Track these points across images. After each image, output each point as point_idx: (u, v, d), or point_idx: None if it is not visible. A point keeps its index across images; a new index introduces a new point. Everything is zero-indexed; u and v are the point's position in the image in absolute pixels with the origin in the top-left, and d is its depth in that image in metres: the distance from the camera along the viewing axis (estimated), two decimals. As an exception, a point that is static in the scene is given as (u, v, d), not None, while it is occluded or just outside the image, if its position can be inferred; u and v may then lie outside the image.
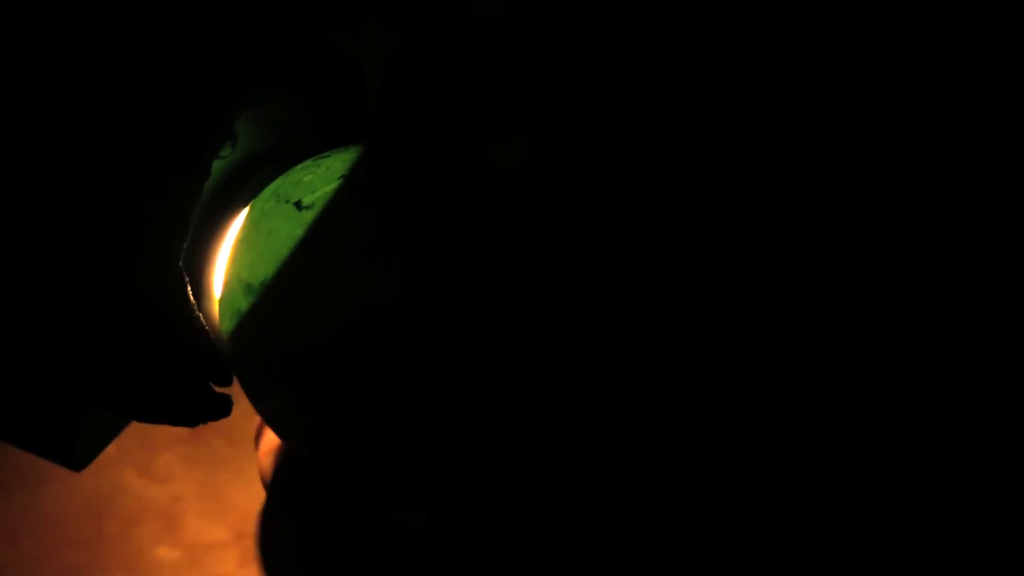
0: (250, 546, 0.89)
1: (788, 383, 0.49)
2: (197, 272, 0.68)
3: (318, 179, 0.65)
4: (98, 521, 0.92)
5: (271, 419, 0.66)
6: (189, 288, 0.64)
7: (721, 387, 0.50)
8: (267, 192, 0.67)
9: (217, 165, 0.66)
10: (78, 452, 0.67)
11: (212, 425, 0.66)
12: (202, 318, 0.65)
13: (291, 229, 0.62)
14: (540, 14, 0.61)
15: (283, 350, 0.61)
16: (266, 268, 0.62)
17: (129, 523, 0.91)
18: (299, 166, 0.67)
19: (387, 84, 0.70)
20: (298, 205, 0.63)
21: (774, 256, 0.50)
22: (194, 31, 0.64)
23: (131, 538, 0.90)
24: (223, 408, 0.65)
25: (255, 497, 0.90)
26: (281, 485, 0.70)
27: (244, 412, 0.72)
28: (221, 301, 0.65)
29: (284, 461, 0.70)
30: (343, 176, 0.64)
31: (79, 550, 0.89)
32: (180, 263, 0.63)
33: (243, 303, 0.63)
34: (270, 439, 0.75)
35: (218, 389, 0.66)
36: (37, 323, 0.62)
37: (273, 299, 0.61)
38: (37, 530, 0.91)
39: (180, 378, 0.64)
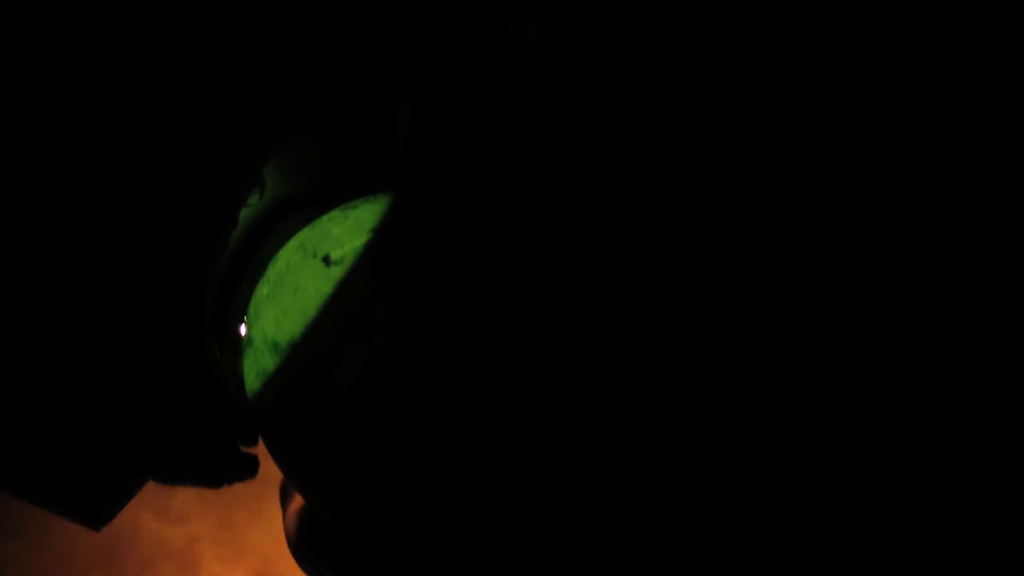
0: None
1: (788, 382, 0.48)
2: (222, 325, 0.66)
3: (346, 232, 0.62)
4: (114, 563, 0.89)
5: (297, 484, 0.64)
6: (216, 344, 0.62)
7: (716, 386, 0.50)
8: (293, 243, 0.65)
9: (244, 213, 0.64)
10: (99, 511, 0.64)
11: (230, 464, 0.64)
12: (227, 376, 0.63)
13: (319, 286, 0.60)
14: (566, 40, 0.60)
15: (311, 425, 0.58)
16: (293, 327, 0.60)
17: (145, 565, 0.89)
18: (326, 216, 0.65)
19: (415, 123, 0.67)
20: (326, 260, 0.61)
21: (774, 254, 0.49)
22: (223, 78, 0.62)
23: (147, 580, 0.88)
24: (249, 469, 0.63)
25: (275, 539, 0.88)
26: (307, 547, 0.68)
27: (262, 449, 0.69)
28: (246, 358, 0.62)
29: (311, 522, 0.67)
30: (373, 229, 0.61)
31: (94, 595, 0.87)
32: (206, 318, 0.60)
33: (269, 363, 0.61)
34: (297, 499, 0.73)
35: (244, 449, 0.63)
36: (61, 383, 0.61)
37: (301, 362, 0.59)
38: (53, 572, 0.88)
39: (205, 437, 0.61)
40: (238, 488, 0.86)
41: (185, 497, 0.90)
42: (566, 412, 0.54)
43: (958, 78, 0.48)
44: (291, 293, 0.62)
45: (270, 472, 0.84)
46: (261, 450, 0.64)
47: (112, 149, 0.60)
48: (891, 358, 0.48)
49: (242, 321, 0.66)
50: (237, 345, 0.66)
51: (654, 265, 0.53)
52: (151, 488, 0.92)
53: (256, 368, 0.63)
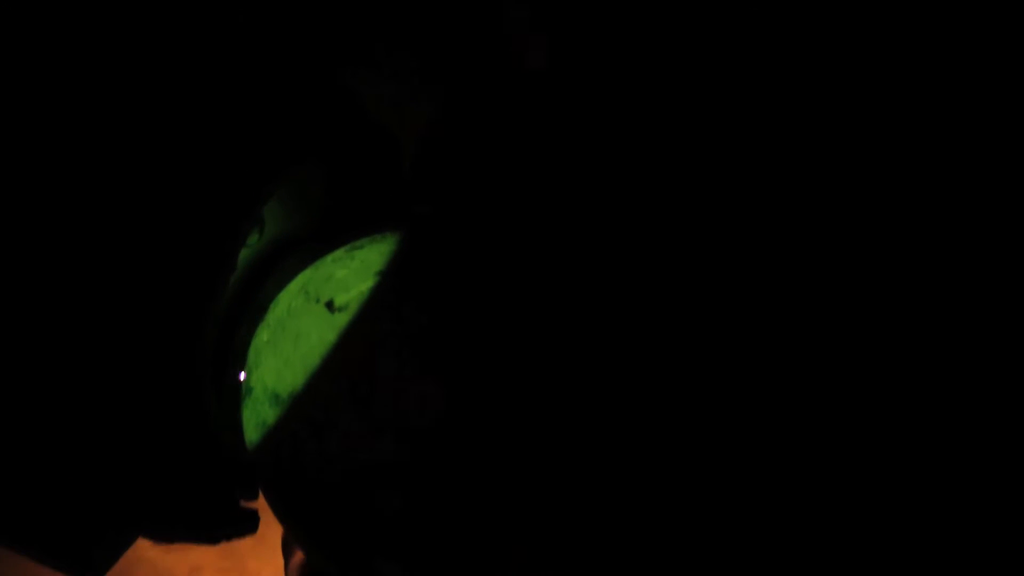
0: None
1: (788, 383, 0.48)
2: (220, 372, 0.62)
3: (352, 275, 0.59)
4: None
5: (299, 540, 0.60)
6: (214, 394, 0.59)
7: (717, 387, 0.50)
8: (295, 286, 0.61)
9: (243, 254, 0.60)
10: (93, 565, 0.61)
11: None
12: (225, 427, 0.59)
13: (323, 333, 0.57)
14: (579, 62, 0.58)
15: (314, 482, 0.55)
16: (295, 378, 0.56)
17: (145, 596, 0.86)
18: (330, 256, 0.61)
19: (424, 151, 0.64)
20: (330, 306, 0.57)
21: (774, 254, 0.49)
22: (223, 110, 0.58)
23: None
24: (249, 524, 0.60)
25: (277, 567, 0.85)
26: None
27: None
28: (245, 407, 0.59)
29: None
30: (380, 272, 0.57)
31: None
32: (202, 367, 0.57)
33: (269, 415, 0.57)
34: (299, 553, 0.70)
35: (243, 503, 0.60)
36: (55, 437, 0.58)
37: (302, 417, 0.55)
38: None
39: (203, 491, 0.58)
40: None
41: (186, 524, 0.87)
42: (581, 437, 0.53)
43: (958, 78, 0.48)
44: (292, 341, 0.58)
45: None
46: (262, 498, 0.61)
47: (103, 196, 0.56)
48: (891, 358, 0.48)
49: (242, 367, 0.63)
50: (236, 393, 0.63)
51: (662, 286, 0.52)
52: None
53: (256, 419, 0.60)
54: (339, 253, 0.63)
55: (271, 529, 0.84)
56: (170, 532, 0.60)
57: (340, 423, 0.56)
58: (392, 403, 0.55)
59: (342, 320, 0.57)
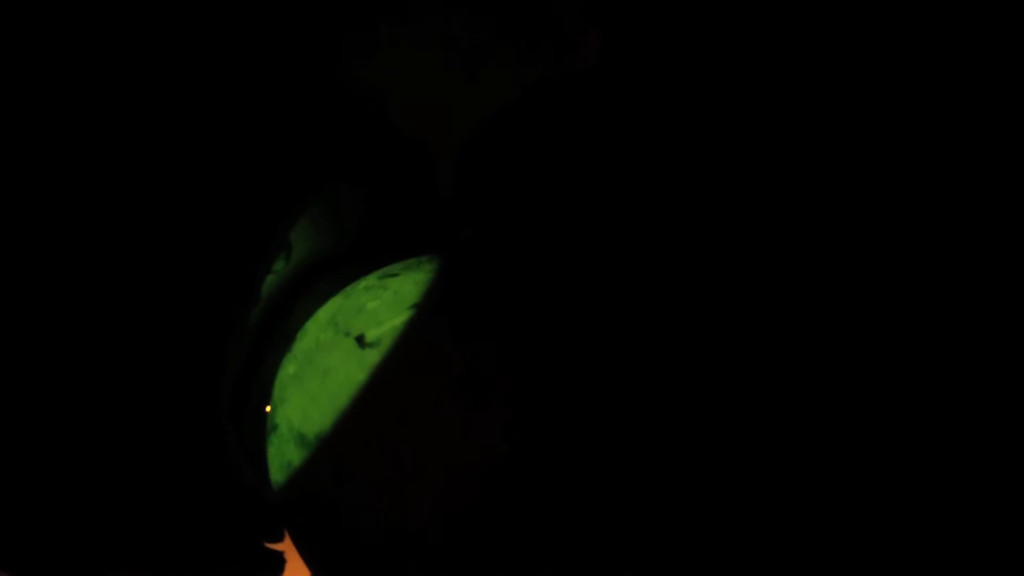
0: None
1: (789, 383, 0.48)
2: (243, 406, 0.58)
3: (384, 307, 0.55)
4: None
5: None
6: (238, 432, 0.55)
7: (718, 387, 0.49)
8: (324, 316, 0.57)
9: (268, 280, 0.56)
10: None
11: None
12: (249, 467, 0.56)
13: (352, 371, 0.53)
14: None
15: (341, 533, 0.52)
16: (322, 419, 0.53)
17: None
18: (362, 283, 0.57)
19: (464, 168, 0.59)
20: (360, 341, 0.54)
21: (780, 258, 0.49)
22: (245, 124, 0.54)
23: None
24: (274, 568, 0.56)
25: None
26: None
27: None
28: (270, 445, 0.56)
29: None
30: (415, 305, 0.53)
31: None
32: (223, 404, 0.53)
33: (294, 456, 0.54)
34: None
35: (269, 545, 0.57)
36: (71, 472, 0.54)
37: (332, 462, 0.52)
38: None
39: (225, 534, 0.55)
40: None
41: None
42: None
43: (958, 78, 0.47)
44: (320, 377, 0.54)
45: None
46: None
47: (118, 217, 0.52)
48: (891, 358, 0.47)
49: (267, 401, 0.59)
50: (262, 427, 0.59)
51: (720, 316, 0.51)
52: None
53: (281, 459, 0.56)
54: (371, 280, 0.59)
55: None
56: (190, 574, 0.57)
57: (371, 473, 0.52)
58: (426, 452, 0.51)
59: (373, 358, 0.53)
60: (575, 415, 0.51)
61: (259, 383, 0.60)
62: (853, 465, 0.48)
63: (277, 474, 0.57)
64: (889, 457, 0.47)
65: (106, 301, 0.52)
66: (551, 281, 0.54)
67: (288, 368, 0.59)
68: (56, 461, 0.55)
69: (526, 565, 0.50)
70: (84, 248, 0.53)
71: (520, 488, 0.50)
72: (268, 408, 0.60)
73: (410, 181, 0.63)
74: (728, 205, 0.52)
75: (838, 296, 0.49)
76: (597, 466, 0.50)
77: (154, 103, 0.54)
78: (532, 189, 0.56)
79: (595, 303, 0.53)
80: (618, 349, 0.51)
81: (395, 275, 0.58)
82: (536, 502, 0.50)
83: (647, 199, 0.53)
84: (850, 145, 0.50)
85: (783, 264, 0.50)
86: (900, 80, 0.49)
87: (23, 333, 0.53)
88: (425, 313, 0.55)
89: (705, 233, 0.52)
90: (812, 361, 0.49)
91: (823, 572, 0.49)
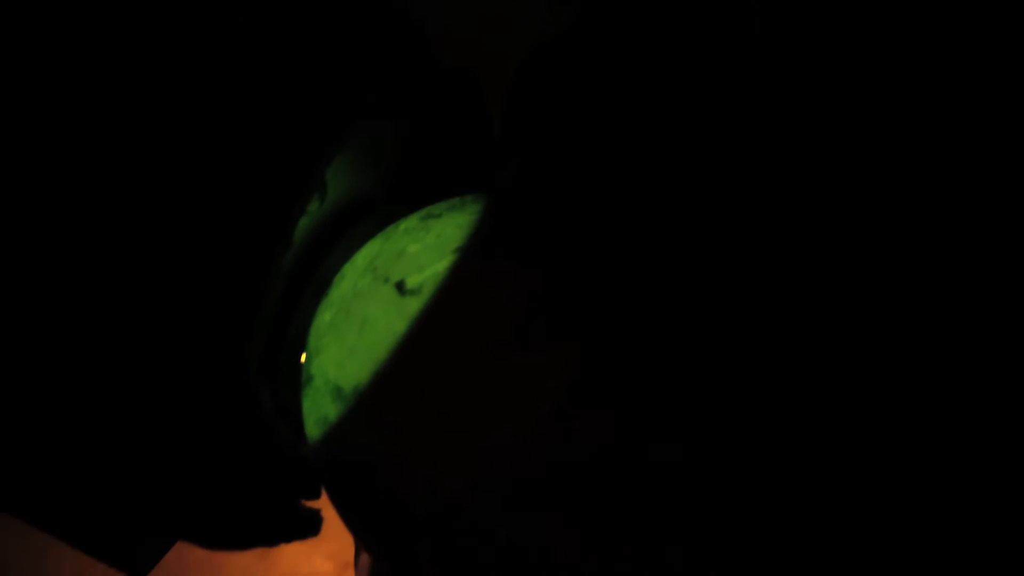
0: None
1: (788, 383, 0.46)
2: (277, 356, 0.55)
3: (426, 251, 0.51)
4: (181, 546, 0.82)
5: (369, 548, 0.54)
6: (271, 384, 0.52)
7: (717, 386, 0.47)
8: (362, 260, 0.53)
9: (303, 223, 0.53)
10: (138, 561, 0.56)
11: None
12: (283, 422, 0.53)
13: (391, 321, 0.49)
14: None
15: (380, 495, 0.48)
16: (359, 370, 0.49)
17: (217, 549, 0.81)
18: (402, 225, 0.54)
19: (515, 100, 0.55)
20: (400, 287, 0.50)
21: (776, 257, 0.47)
22: (284, 60, 0.51)
23: (219, 567, 0.80)
24: (311, 526, 0.53)
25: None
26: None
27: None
28: (306, 397, 0.52)
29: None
30: (458, 249, 0.49)
31: (159, 581, 0.79)
32: (253, 358, 0.50)
33: (331, 410, 0.50)
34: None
35: (306, 503, 0.54)
36: (103, 431, 0.52)
37: (370, 417, 0.49)
38: (110, 560, 0.81)
39: (259, 491, 0.52)
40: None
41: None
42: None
43: (958, 79, 0.46)
44: (358, 327, 0.51)
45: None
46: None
47: (144, 156, 0.49)
48: (892, 359, 0.46)
49: (302, 350, 0.55)
50: (296, 379, 0.56)
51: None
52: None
53: (317, 413, 0.53)
54: (412, 222, 0.55)
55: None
56: (223, 538, 0.54)
57: (411, 429, 0.49)
58: (471, 407, 0.48)
59: (414, 306, 0.50)
60: (636, 369, 0.47)
61: (293, 332, 0.57)
62: (855, 465, 0.46)
63: (313, 429, 0.54)
64: (890, 458, 0.46)
65: (133, 246, 0.50)
66: (606, 222, 0.50)
67: (324, 316, 0.55)
68: (83, 418, 0.52)
69: (577, 533, 0.47)
70: (110, 191, 0.50)
71: (574, 447, 0.47)
72: (303, 359, 0.56)
73: (455, 117, 0.59)
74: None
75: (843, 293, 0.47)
76: (660, 427, 0.47)
77: (185, 36, 0.51)
78: (583, 124, 0.52)
79: (651, 241, 0.49)
80: (678, 294, 0.48)
81: (437, 216, 0.54)
82: (591, 465, 0.47)
83: (706, 134, 0.49)
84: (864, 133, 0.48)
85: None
86: (899, 80, 0.47)
87: (47, 282, 0.51)
88: (470, 257, 0.51)
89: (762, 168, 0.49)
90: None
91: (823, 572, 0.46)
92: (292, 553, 0.81)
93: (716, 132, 0.49)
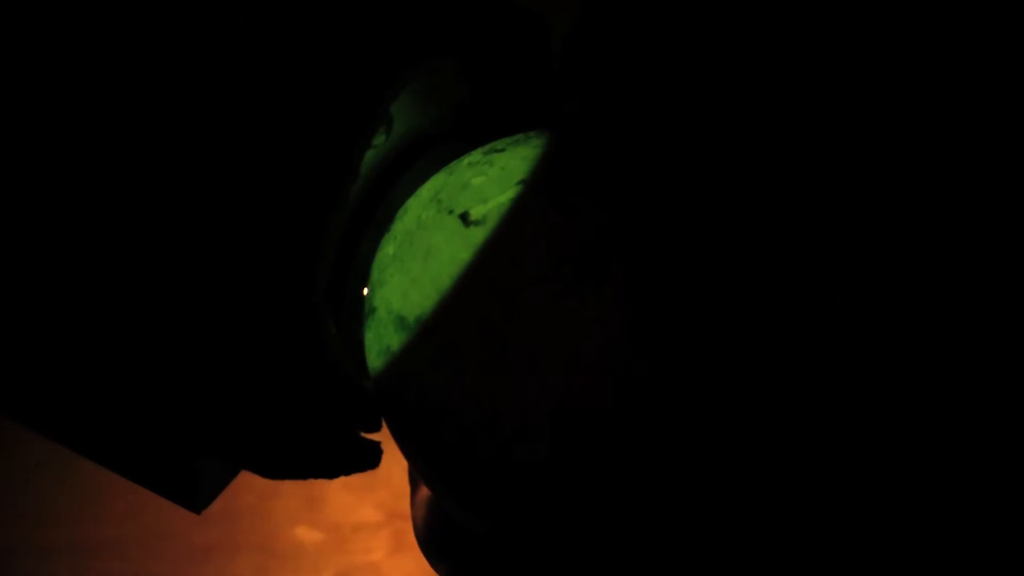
0: (404, 529, 0.78)
1: (788, 383, 0.45)
2: (341, 288, 0.56)
3: (490, 183, 0.51)
4: (230, 494, 0.82)
5: (428, 481, 0.54)
6: (334, 314, 0.53)
7: (715, 386, 0.46)
8: (426, 193, 0.54)
9: (368, 156, 0.53)
10: (199, 495, 0.57)
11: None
12: (345, 352, 0.53)
13: (455, 251, 0.50)
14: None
15: (442, 422, 0.48)
16: (423, 300, 0.50)
17: (265, 497, 0.81)
18: (466, 159, 0.54)
19: (578, 37, 0.55)
20: (464, 218, 0.50)
21: (774, 255, 0.46)
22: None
23: (267, 514, 0.81)
24: (370, 459, 0.54)
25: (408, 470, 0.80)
26: (441, 550, 0.59)
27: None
28: (368, 329, 0.53)
29: (444, 520, 0.58)
30: (522, 181, 0.50)
31: (207, 527, 0.80)
32: (320, 285, 0.51)
33: (394, 340, 0.51)
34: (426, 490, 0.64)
35: (366, 435, 0.54)
36: (163, 361, 0.53)
37: (432, 346, 0.49)
38: (159, 503, 0.81)
39: (320, 423, 0.53)
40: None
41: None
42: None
43: (959, 79, 0.45)
44: (422, 258, 0.51)
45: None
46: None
47: (218, 87, 0.50)
48: (892, 358, 0.45)
49: (365, 283, 0.56)
50: (358, 312, 0.56)
51: None
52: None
53: (379, 344, 0.53)
54: (476, 156, 0.55)
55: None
56: (283, 468, 0.55)
57: (473, 357, 0.49)
58: (533, 336, 0.48)
59: (478, 236, 0.50)
60: (702, 312, 0.47)
61: (357, 265, 0.57)
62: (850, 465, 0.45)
63: (375, 360, 0.54)
64: (890, 458, 0.45)
65: (198, 174, 0.50)
66: (673, 156, 0.50)
67: (387, 248, 0.56)
68: (142, 342, 0.53)
69: (634, 473, 0.47)
70: (180, 118, 0.50)
71: (633, 385, 0.47)
72: (366, 291, 0.57)
73: (520, 54, 0.60)
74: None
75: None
76: (723, 375, 0.46)
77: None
78: (651, 57, 0.52)
79: (718, 180, 0.49)
80: (745, 239, 0.48)
81: (501, 150, 0.54)
82: (651, 404, 0.47)
83: (774, 69, 0.49)
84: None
85: None
86: (898, 77, 0.46)
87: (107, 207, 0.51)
88: (534, 189, 0.51)
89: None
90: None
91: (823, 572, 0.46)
92: (340, 502, 0.81)
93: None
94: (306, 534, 0.81)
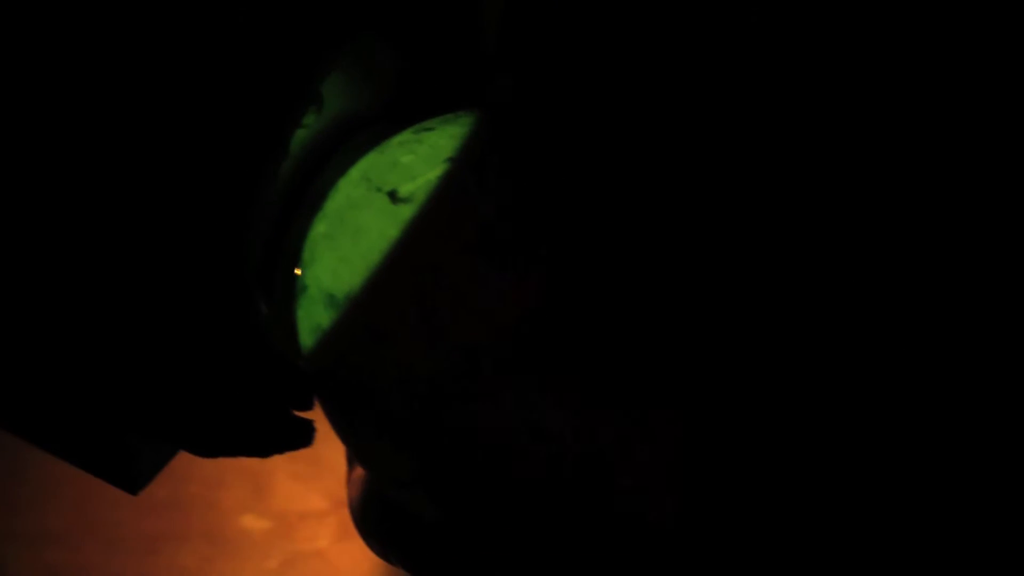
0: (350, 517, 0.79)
1: (787, 382, 0.46)
2: (272, 268, 0.56)
3: (419, 161, 0.52)
4: (177, 483, 0.83)
5: (362, 459, 0.55)
6: (265, 293, 0.53)
7: (713, 386, 0.47)
8: (356, 173, 0.54)
9: (298, 135, 0.53)
10: (136, 476, 0.57)
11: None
12: (276, 330, 0.54)
13: (384, 228, 0.50)
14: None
15: (371, 397, 0.49)
16: (352, 277, 0.50)
17: (212, 486, 0.82)
18: (396, 139, 0.54)
19: (511, 17, 0.56)
20: (393, 196, 0.51)
21: (773, 255, 0.47)
22: None
23: (214, 504, 0.81)
24: (303, 437, 0.54)
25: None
26: (374, 526, 0.60)
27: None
28: (300, 308, 0.53)
29: (378, 497, 0.59)
30: (450, 159, 0.50)
31: (155, 517, 0.80)
32: (251, 264, 0.51)
33: (324, 317, 0.51)
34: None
35: (299, 414, 0.55)
36: (92, 342, 0.53)
37: (362, 322, 0.49)
38: (108, 493, 0.81)
39: (250, 403, 0.53)
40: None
41: (258, 412, 0.82)
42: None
43: (959, 80, 0.46)
44: (351, 236, 0.52)
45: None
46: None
47: (140, 65, 0.50)
48: (892, 358, 0.46)
49: (298, 262, 0.56)
50: (292, 290, 0.57)
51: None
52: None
53: (310, 322, 0.54)
54: (406, 135, 0.56)
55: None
56: (216, 446, 0.55)
57: (402, 331, 0.50)
58: (463, 307, 0.49)
59: (406, 213, 0.51)
60: (616, 288, 0.48)
61: (290, 245, 0.58)
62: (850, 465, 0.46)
63: (306, 338, 0.55)
64: (890, 458, 0.46)
65: (125, 152, 0.50)
66: (602, 138, 0.51)
67: (319, 227, 0.56)
68: (71, 321, 0.53)
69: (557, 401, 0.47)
70: (108, 96, 0.51)
71: (552, 353, 0.48)
72: (298, 271, 0.57)
73: (452, 35, 0.60)
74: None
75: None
76: (630, 336, 0.47)
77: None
78: (580, 42, 0.53)
79: (647, 161, 0.50)
80: (667, 220, 0.48)
81: (431, 129, 0.55)
82: (570, 367, 0.48)
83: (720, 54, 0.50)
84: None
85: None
86: (898, 75, 0.47)
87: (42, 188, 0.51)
88: (461, 166, 0.52)
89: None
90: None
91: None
92: (286, 491, 0.82)
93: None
94: (253, 522, 0.81)
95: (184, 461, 0.80)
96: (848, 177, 0.46)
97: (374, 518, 0.60)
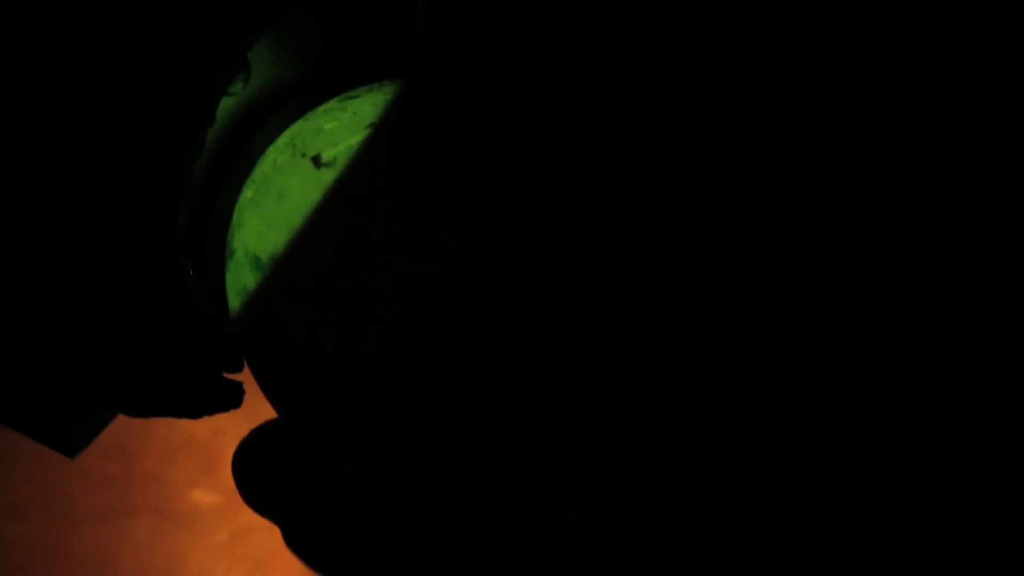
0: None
1: (786, 382, 0.46)
2: (202, 234, 0.57)
3: (342, 128, 0.53)
4: (128, 458, 0.83)
5: (285, 415, 0.56)
6: (193, 258, 0.54)
7: (712, 386, 0.48)
8: (282, 140, 0.56)
9: (225, 104, 0.55)
10: (72, 440, 0.58)
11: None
12: (206, 294, 0.55)
13: (307, 192, 0.51)
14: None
15: (295, 356, 0.50)
16: (276, 240, 0.52)
17: (162, 460, 0.83)
18: (321, 108, 0.56)
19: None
20: (316, 161, 0.52)
21: (772, 254, 0.47)
22: None
23: (164, 478, 0.82)
24: (233, 398, 0.55)
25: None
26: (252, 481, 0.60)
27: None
28: (228, 272, 0.54)
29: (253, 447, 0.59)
30: (372, 125, 0.52)
31: (105, 491, 0.81)
32: (177, 231, 0.52)
33: (250, 279, 0.53)
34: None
35: (228, 376, 0.56)
36: (23, 306, 0.54)
37: (285, 283, 0.51)
38: (59, 466, 0.82)
39: (180, 365, 0.54)
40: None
41: (207, 387, 0.83)
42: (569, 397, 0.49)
43: (959, 80, 0.46)
44: (276, 200, 0.53)
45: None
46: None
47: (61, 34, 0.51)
48: (892, 358, 0.46)
49: (226, 230, 0.58)
50: (221, 256, 0.58)
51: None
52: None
53: (237, 285, 0.55)
54: (331, 104, 0.57)
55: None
56: (148, 407, 0.56)
57: (324, 291, 0.51)
58: (380, 268, 0.50)
59: (328, 177, 0.52)
60: (527, 257, 0.49)
61: (220, 211, 0.59)
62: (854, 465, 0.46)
63: (234, 300, 0.56)
64: (890, 458, 0.46)
65: (52, 116, 0.51)
66: (524, 111, 0.52)
67: (247, 193, 0.57)
68: (7, 285, 0.54)
69: (470, 393, 0.49)
70: (35, 62, 0.51)
71: (467, 316, 0.49)
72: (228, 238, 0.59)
73: (381, 10, 0.61)
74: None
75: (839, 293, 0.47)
76: (536, 307, 0.49)
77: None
78: (516, 16, 0.54)
79: (566, 137, 0.51)
80: (577, 199, 0.50)
81: (355, 97, 0.56)
82: (483, 336, 0.49)
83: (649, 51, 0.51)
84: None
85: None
86: (898, 75, 0.47)
87: None
88: (382, 132, 0.53)
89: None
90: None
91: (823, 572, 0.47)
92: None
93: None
94: (203, 496, 0.82)
95: (136, 437, 0.81)
96: (848, 177, 0.47)
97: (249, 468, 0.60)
